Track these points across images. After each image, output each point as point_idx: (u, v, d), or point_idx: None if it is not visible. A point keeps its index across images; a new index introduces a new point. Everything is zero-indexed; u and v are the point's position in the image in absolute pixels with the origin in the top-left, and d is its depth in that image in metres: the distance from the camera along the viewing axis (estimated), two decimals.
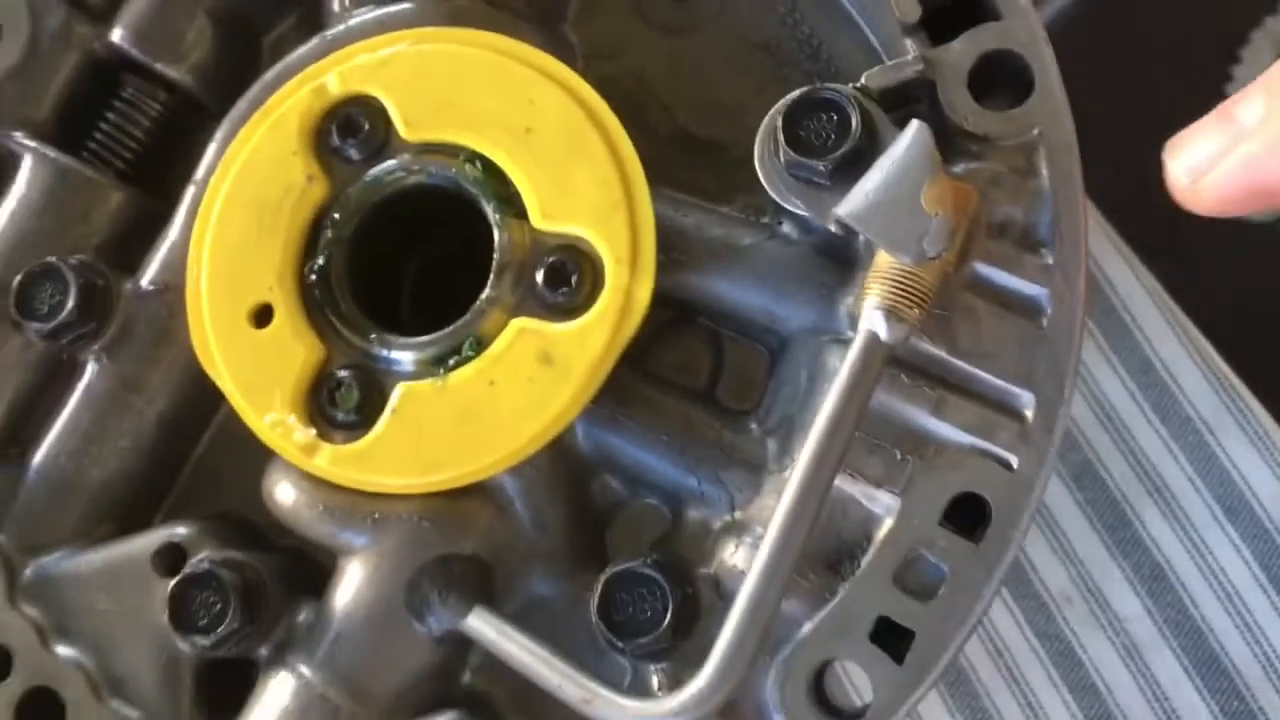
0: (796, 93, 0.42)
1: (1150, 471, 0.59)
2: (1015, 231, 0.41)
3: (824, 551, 0.41)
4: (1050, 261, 0.41)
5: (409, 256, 0.50)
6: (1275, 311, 0.64)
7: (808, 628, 0.40)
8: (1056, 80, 0.42)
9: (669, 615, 0.40)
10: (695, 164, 0.48)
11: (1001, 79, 0.43)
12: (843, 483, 0.41)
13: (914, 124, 0.40)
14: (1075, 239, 0.41)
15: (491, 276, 0.44)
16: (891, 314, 0.39)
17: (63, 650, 0.45)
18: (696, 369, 0.47)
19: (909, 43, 0.44)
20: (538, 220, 0.44)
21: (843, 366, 0.39)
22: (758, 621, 0.38)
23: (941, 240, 0.39)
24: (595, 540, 0.46)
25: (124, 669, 0.45)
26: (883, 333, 0.39)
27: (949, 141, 0.42)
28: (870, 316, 0.39)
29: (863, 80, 0.42)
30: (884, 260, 0.40)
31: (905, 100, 0.43)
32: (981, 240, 0.41)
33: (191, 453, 0.49)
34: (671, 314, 0.47)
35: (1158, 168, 0.39)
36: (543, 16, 0.49)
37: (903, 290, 0.39)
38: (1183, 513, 0.59)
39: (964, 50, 0.42)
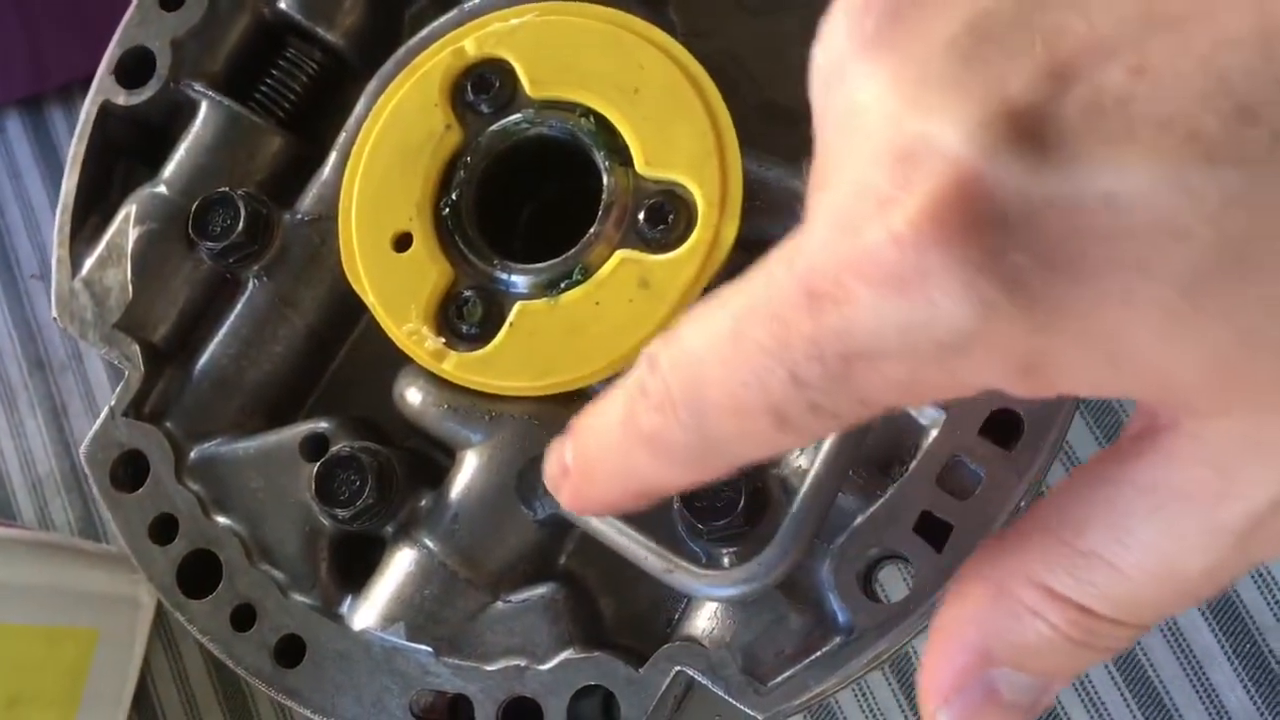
0: None
1: None
2: None
3: (877, 457, 0.48)
4: None
5: (526, 200, 0.57)
6: None
7: (860, 520, 0.47)
8: None
9: (742, 502, 0.47)
10: (778, 129, 0.55)
11: None
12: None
13: None
14: None
15: (600, 214, 0.51)
16: None
17: (221, 520, 0.53)
18: None
19: None
20: (641, 168, 0.51)
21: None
22: (817, 507, 0.45)
23: None
24: None
25: (272, 538, 0.52)
26: None
27: None
28: None
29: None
30: None
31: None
32: None
33: (331, 364, 0.57)
34: (751, 258, 0.53)
35: None
36: None
37: None
38: None
39: None
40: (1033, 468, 0.46)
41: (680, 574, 0.46)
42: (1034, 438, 0.46)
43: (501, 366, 0.51)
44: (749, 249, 0.52)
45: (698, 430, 0.32)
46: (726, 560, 0.48)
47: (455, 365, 0.51)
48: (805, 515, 0.45)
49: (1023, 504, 0.48)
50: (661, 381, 0.32)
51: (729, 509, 0.47)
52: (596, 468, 0.36)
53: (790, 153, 0.53)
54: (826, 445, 0.45)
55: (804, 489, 0.45)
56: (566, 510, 0.41)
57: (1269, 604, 0.63)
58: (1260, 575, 0.64)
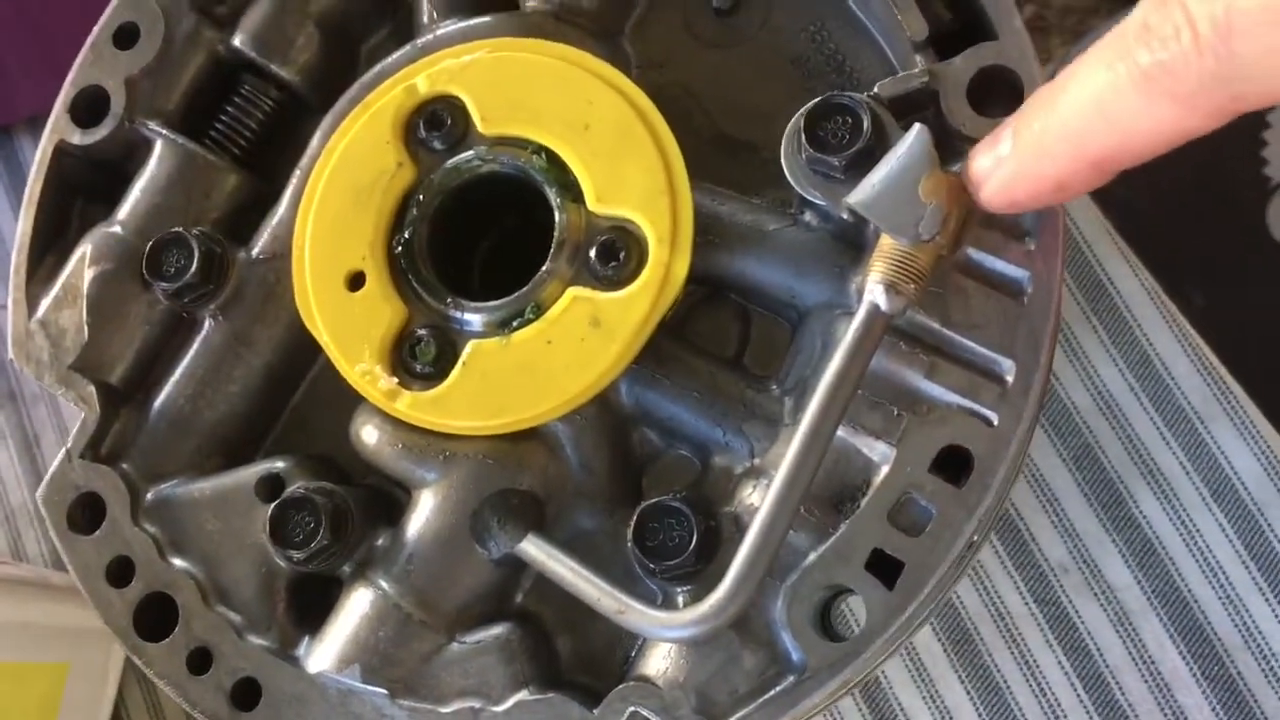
0: (818, 99, 0.48)
1: (1145, 456, 0.65)
2: (1002, 222, 0.47)
3: (829, 493, 0.48)
4: (1032, 248, 0.47)
5: (481, 236, 0.57)
6: (1263, 313, 0.69)
7: (812, 557, 0.47)
8: None
9: (694, 541, 0.47)
10: (732, 162, 0.55)
11: (997, 90, 0.49)
12: (846, 434, 0.48)
13: (915, 127, 0.46)
14: (1054, 228, 0.47)
15: (551, 251, 0.51)
16: (891, 288, 0.45)
17: (177, 562, 0.53)
18: (727, 339, 0.53)
19: (918, 58, 0.50)
20: (593, 204, 0.51)
21: (848, 333, 0.46)
22: (768, 546, 0.45)
23: (935, 226, 0.45)
24: (634, 484, 0.52)
25: (228, 581, 0.52)
26: (883, 304, 0.46)
27: (950, 143, 0.49)
28: (873, 290, 0.46)
29: (875, 89, 0.49)
30: (886, 242, 0.46)
31: (915, 108, 0.49)
32: (974, 228, 0.47)
33: (289, 401, 0.57)
34: (707, 290, 0.53)
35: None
36: (603, 30, 0.56)
37: (901, 268, 0.46)
38: (1173, 494, 0.64)
39: (964, 65, 0.49)
40: (982, 504, 0.46)
41: (632, 615, 0.46)
42: (983, 475, 0.46)
43: (454, 406, 0.50)
44: (703, 283, 0.52)
45: (1221, 53, 0.35)
46: (681, 599, 0.48)
47: (409, 405, 0.51)
48: (755, 555, 0.44)
49: (975, 538, 0.48)
50: (1178, 7, 0.36)
51: (681, 548, 0.47)
52: (1053, 136, 0.40)
53: (743, 185, 0.53)
54: (776, 479, 0.45)
55: (753, 528, 0.45)
56: (999, 207, 0.44)
57: (1236, 625, 0.63)
58: (1228, 597, 0.64)
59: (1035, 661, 0.64)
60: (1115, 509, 0.65)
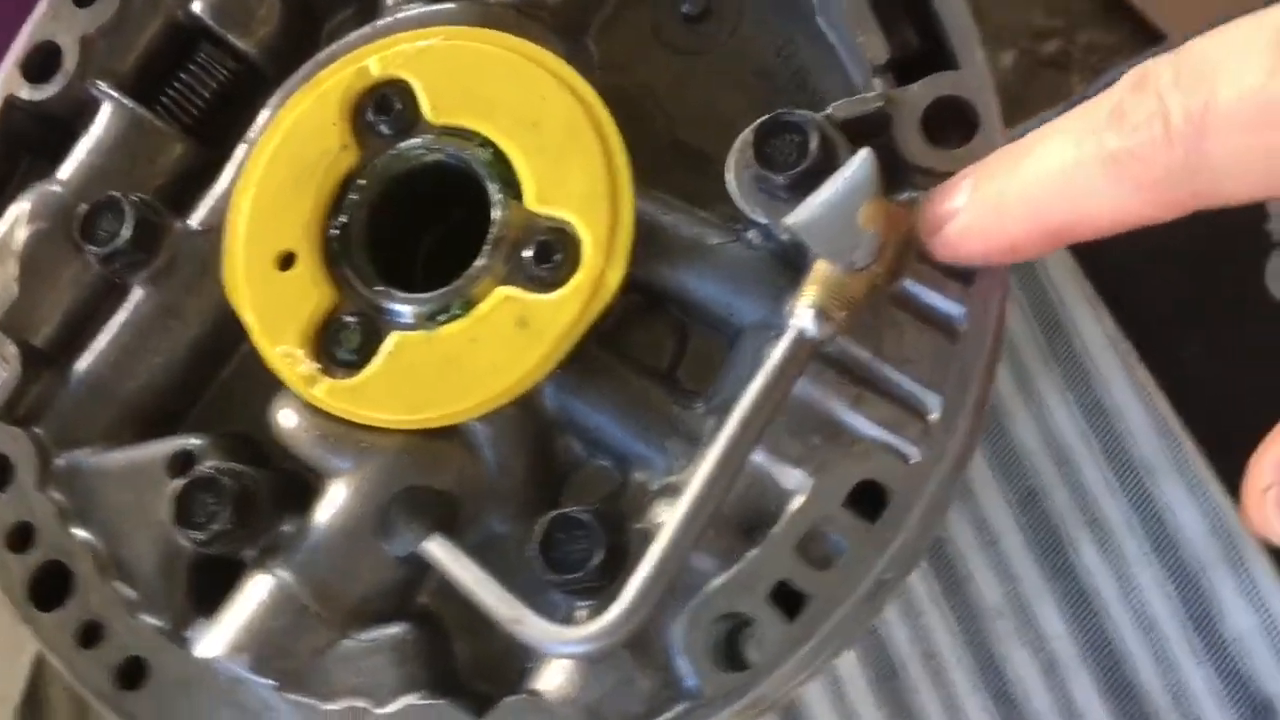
0: (768, 115, 0.47)
1: (1090, 504, 0.64)
2: (929, 262, 0.46)
3: (741, 518, 0.47)
4: (970, 286, 0.46)
5: (424, 230, 0.56)
6: (1233, 371, 0.68)
7: (716, 582, 0.45)
8: (998, 126, 0.47)
9: (598, 556, 0.45)
10: (686, 171, 0.54)
11: (952, 121, 0.48)
12: (763, 459, 0.46)
13: (862, 151, 0.45)
14: (995, 269, 0.46)
15: (486, 247, 0.50)
16: (820, 314, 0.44)
17: (79, 533, 0.51)
18: (662, 351, 0.52)
19: (877, 82, 0.49)
20: (532, 203, 0.50)
21: (772, 354, 0.44)
22: (668, 567, 0.43)
23: (870, 253, 0.44)
24: (552, 492, 0.51)
25: (129, 555, 0.51)
26: (810, 329, 0.44)
27: (900, 172, 0.47)
28: (801, 314, 0.44)
29: (830, 110, 0.48)
30: (821, 267, 0.45)
31: (869, 133, 0.48)
32: (912, 261, 0.46)
33: (214, 378, 0.56)
34: (646, 301, 0.52)
35: None
36: (567, 28, 0.55)
37: (833, 294, 0.44)
38: (1115, 545, 0.63)
39: (920, 93, 0.48)
40: (894, 543, 0.45)
41: (526, 626, 0.45)
42: (899, 512, 0.45)
43: (374, 396, 0.49)
44: (641, 292, 0.51)
45: (1191, 148, 0.35)
46: (582, 613, 0.47)
47: (326, 392, 0.50)
48: (654, 575, 0.43)
49: (888, 576, 0.46)
50: (1155, 97, 0.35)
51: (583, 562, 0.45)
52: (1012, 198, 0.41)
53: (694, 196, 0.52)
54: (683, 498, 0.44)
55: (654, 547, 0.43)
56: (947, 257, 0.44)
57: (1167, 686, 0.62)
58: (1161, 656, 0.62)
59: (960, 705, 0.63)
60: (1055, 555, 0.63)
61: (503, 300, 0.49)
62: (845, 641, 0.49)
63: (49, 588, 0.51)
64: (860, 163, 0.45)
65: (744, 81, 0.55)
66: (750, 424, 0.44)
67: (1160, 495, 0.63)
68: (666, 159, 0.54)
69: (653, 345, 0.52)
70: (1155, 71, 0.36)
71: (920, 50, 0.51)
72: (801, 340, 0.44)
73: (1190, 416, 0.64)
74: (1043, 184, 0.40)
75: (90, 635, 0.50)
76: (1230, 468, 0.63)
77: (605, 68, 0.56)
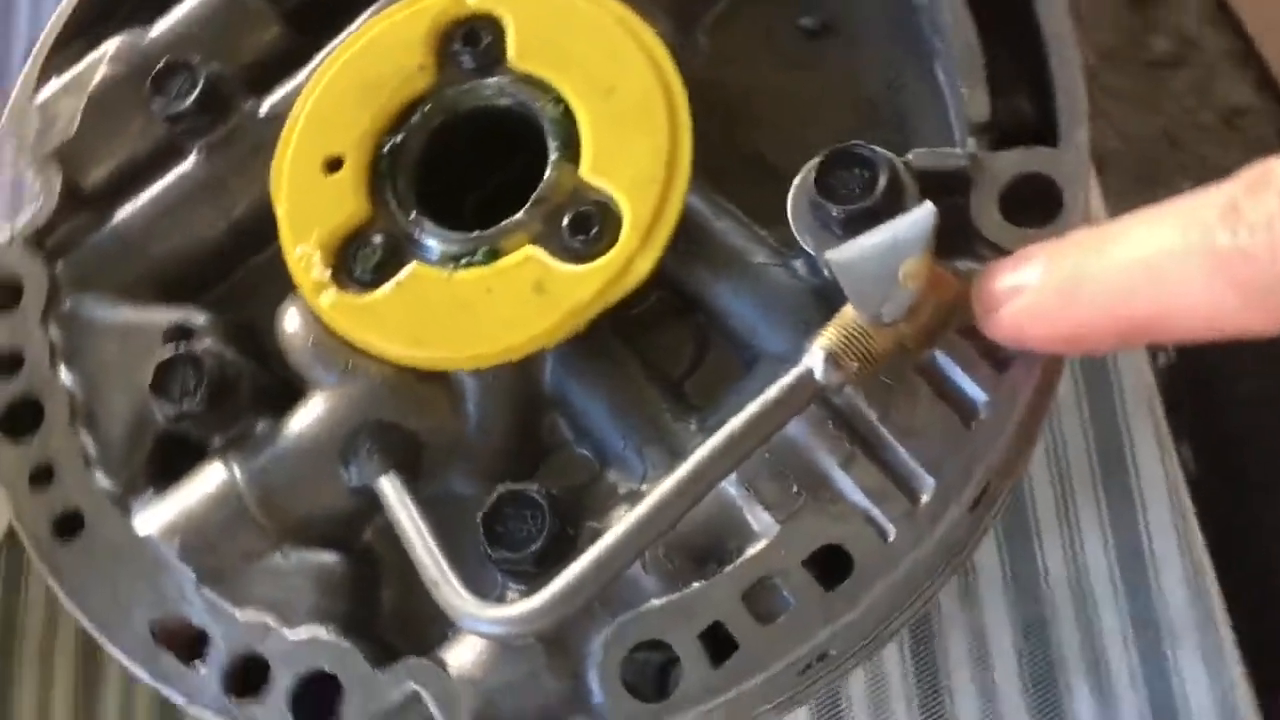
0: (843, 145, 0.44)
1: (1098, 650, 0.59)
2: (982, 337, 0.43)
3: (699, 547, 0.44)
4: (1004, 373, 0.43)
5: (483, 171, 0.54)
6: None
7: (650, 605, 0.43)
8: (1083, 216, 0.44)
9: (540, 543, 0.43)
10: (757, 184, 0.51)
11: (1036, 199, 0.44)
12: (737, 494, 0.44)
13: (925, 205, 0.42)
14: (1032, 364, 0.42)
15: (528, 204, 0.48)
16: (832, 359, 0.41)
17: (63, 374, 0.51)
18: (678, 359, 0.50)
19: (971, 141, 0.46)
20: (585, 171, 0.48)
21: (771, 386, 0.42)
22: (603, 571, 0.41)
23: (899, 310, 0.41)
24: (526, 467, 0.49)
25: (102, 412, 0.50)
26: (817, 371, 0.41)
27: (966, 239, 0.44)
28: (813, 354, 0.42)
29: (910, 156, 0.45)
30: (848, 313, 0.42)
31: (946, 190, 0.44)
32: (950, 333, 0.43)
33: (241, 264, 0.55)
34: (676, 304, 0.50)
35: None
36: (679, 11, 0.53)
37: (851, 343, 0.41)
38: (1113, 700, 0.58)
39: (1009, 163, 0.44)
40: (844, 617, 0.41)
41: (446, 591, 0.43)
42: (858, 587, 0.42)
43: (376, 321, 0.48)
44: (672, 291, 0.49)
45: None
46: (514, 596, 0.45)
47: (332, 303, 0.48)
48: (586, 575, 0.41)
49: (832, 651, 0.43)
50: (1276, 197, 0.32)
51: (526, 544, 0.43)
52: (1090, 280, 0.37)
53: (757, 211, 0.49)
54: (635, 510, 0.41)
55: (595, 547, 0.41)
56: (1002, 338, 0.41)
57: None
58: None
59: None
60: (1047, 693, 0.59)
61: (526, 260, 0.47)
62: (773, 708, 0.46)
63: (19, 420, 0.50)
64: (919, 217, 0.42)
65: (844, 108, 0.52)
66: (728, 450, 0.41)
67: (1175, 662, 0.58)
68: (742, 167, 0.51)
69: (670, 350, 0.50)
70: (1278, 171, 0.33)
71: (1034, 121, 0.48)
72: (806, 380, 0.41)
73: (1233, 596, 0.59)
74: (1130, 270, 0.36)
75: (42, 476, 0.49)
76: (1259, 657, 0.58)
77: (714, 59, 0.54)
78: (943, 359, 0.43)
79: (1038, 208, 0.44)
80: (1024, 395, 0.42)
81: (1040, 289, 0.39)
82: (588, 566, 0.41)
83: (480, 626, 0.42)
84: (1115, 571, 0.60)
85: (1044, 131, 0.46)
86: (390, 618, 0.48)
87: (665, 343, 0.50)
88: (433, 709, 0.43)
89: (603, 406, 0.48)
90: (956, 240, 0.44)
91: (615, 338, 0.49)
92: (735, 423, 0.41)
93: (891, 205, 0.43)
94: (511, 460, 0.49)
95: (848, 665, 0.47)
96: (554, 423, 0.49)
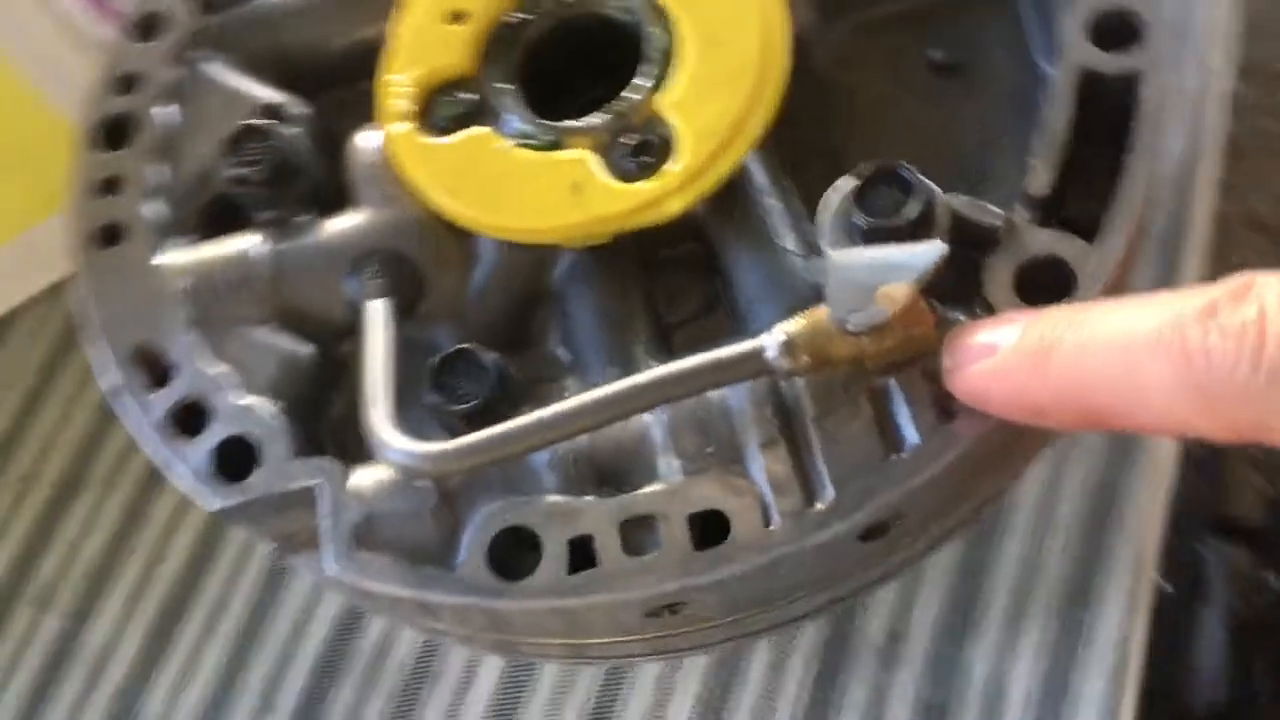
0: (899, 165, 0.45)
1: None
2: (940, 386, 0.43)
3: (604, 465, 0.46)
4: (945, 424, 0.43)
5: (583, 85, 0.56)
6: None
7: (544, 499, 0.45)
8: None
9: (475, 403, 0.46)
10: (825, 180, 0.52)
11: (1052, 283, 0.44)
12: (659, 434, 0.45)
13: (935, 243, 0.43)
14: (978, 425, 0.43)
15: (603, 110, 0.50)
16: (789, 344, 0.42)
17: (167, 109, 0.56)
18: (680, 309, 0.52)
19: (1019, 208, 0.46)
20: (663, 103, 0.49)
21: (725, 347, 0.43)
22: (507, 442, 0.43)
23: (865, 323, 0.42)
24: (504, 347, 0.51)
25: (183, 153, 0.55)
26: (770, 350, 0.43)
27: (970, 295, 0.45)
28: (774, 334, 0.43)
29: (951, 196, 0.45)
30: (821, 311, 0.43)
31: (972, 242, 0.45)
32: (912, 371, 0.44)
33: (355, 82, 0.57)
34: (705, 260, 0.52)
35: None
36: (825, 6, 0.54)
37: (813, 337, 0.42)
38: None
39: (1039, 240, 0.45)
40: (698, 577, 0.43)
41: (375, 412, 0.46)
42: (722, 556, 0.43)
43: (429, 164, 0.51)
44: (701, 244, 0.51)
45: (1275, 379, 0.32)
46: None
47: (400, 135, 0.52)
48: (489, 441, 0.43)
49: (685, 606, 0.45)
50: (1257, 309, 0.32)
51: (460, 399, 0.46)
52: (1061, 355, 0.37)
53: (811, 202, 0.50)
54: (558, 405, 0.43)
55: (505, 424, 0.43)
56: (964, 394, 0.42)
57: None
58: None
59: None
60: None
61: (578, 161, 0.49)
62: (617, 645, 0.47)
63: (112, 134, 0.55)
64: (926, 250, 0.43)
65: (934, 143, 0.53)
66: (661, 385, 0.43)
67: None
68: (820, 160, 0.52)
69: (678, 298, 0.52)
70: (1266, 285, 0.33)
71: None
72: (755, 354, 0.43)
73: None
74: (1101, 352, 0.36)
75: (106, 187, 0.54)
76: None
77: (838, 61, 0.55)
78: (896, 391, 0.44)
79: (1050, 292, 0.44)
80: (954, 451, 0.43)
81: (1013, 351, 0.39)
82: (495, 435, 0.43)
83: (387, 452, 0.44)
84: (1033, 694, 0.60)
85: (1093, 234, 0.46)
86: (331, 422, 0.51)
87: (676, 290, 0.52)
88: (321, 506, 0.46)
89: (591, 317, 0.50)
90: (960, 292, 0.45)
91: (634, 265, 0.51)
92: (676, 365, 0.43)
93: (916, 234, 0.44)
94: (495, 336, 0.51)
95: (702, 642, 0.48)
96: (545, 320, 0.52)
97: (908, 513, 0.44)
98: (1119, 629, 0.61)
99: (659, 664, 0.63)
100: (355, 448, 0.50)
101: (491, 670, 0.65)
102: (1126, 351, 0.35)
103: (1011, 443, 0.45)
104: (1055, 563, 0.62)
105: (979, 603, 0.62)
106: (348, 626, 0.68)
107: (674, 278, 0.52)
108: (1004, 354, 0.40)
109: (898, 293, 0.42)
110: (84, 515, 0.73)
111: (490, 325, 0.51)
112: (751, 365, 0.43)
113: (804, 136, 0.51)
